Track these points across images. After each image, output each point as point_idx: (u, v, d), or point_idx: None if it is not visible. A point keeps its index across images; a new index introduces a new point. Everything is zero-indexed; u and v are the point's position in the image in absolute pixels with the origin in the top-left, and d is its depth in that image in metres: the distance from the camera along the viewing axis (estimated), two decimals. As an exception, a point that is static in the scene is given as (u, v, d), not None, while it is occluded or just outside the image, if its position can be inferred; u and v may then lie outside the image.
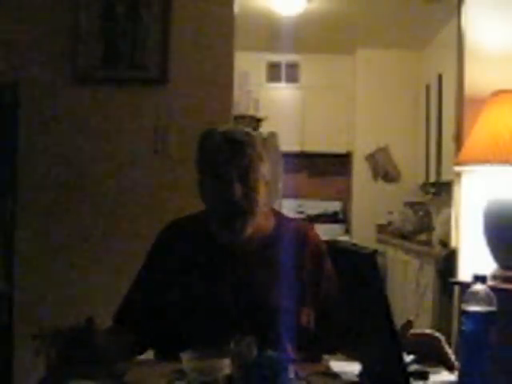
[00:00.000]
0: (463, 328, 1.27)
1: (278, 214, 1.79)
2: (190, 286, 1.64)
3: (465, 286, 1.79)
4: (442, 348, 1.43)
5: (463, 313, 1.27)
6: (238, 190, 1.57)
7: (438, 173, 5.82)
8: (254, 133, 1.66)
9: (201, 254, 1.68)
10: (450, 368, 1.41)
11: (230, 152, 1.58)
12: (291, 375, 1.24)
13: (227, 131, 1.63)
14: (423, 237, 5.18)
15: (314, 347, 1.66)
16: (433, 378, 1.39)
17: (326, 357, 1.68)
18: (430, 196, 6.03)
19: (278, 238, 1.69)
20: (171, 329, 1.63)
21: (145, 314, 1.68)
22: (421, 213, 5.58)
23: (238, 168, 1.58)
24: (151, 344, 1.70)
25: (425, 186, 6.35)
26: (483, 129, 2.58)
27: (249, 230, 1.61)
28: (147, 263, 1.76)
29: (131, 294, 1.74)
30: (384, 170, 6.76)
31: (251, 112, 4.25)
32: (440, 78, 5.83)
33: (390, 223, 6.19)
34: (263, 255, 1.67)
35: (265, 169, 1.64)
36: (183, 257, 1.68)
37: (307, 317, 1.65)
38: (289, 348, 1.58)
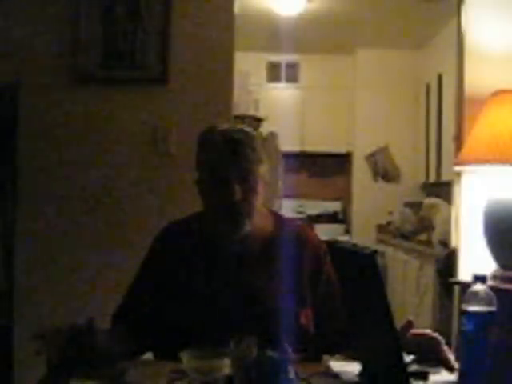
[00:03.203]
0: (463, 328, 1.27)
1: (276, 216, 1.79)
2: (189, 288, 1.64)
3: (465, 286, 1.79)
4: (442, 350, 1.43)
5: (463, 313, 1.27)
6: (237, 191, 1.57)
7: (438, 173, 5.82)
8: (253, 133, 1.67)
9: (198, 254, 1.68)
10: (450, 369, 1.41)
11: (230, 153, 1.59)
12: (291, 375, 1.24)
13: (227, 131, 1.63)
14: (423, 237, 5.18)
15: (314, 348, 1.66)
16: (433, 378, 1.39)
17: (326, 357, 1.68)
18: (430, 196, 6.03)
19: (277, 239, 1.69)
20: (170, 330, 1.63)
21: (143, 316, 1.68)
22: (421, 213, 5.57)
23: (238, 169, 1.58)
24: (150, 346, 1.70)
25: (425, 186, 6.35)
26: (483, 129, 2.58)
27: (246, 228, 1.62)
28: (145, 265, 1.76)
29: (129, 295, 1.73)
30: (384, 169, 6.76)
31: (251, 112, 4.25)
32: (440, 77, 5.83)
33: (389, 223, 6.18)
34: (263, 256, 1.67)
35: (264, 169, 1.65)
36: (180, 258, 1.69)
37: (306, 317, 1.65)
38: (288, 349, 1.59)
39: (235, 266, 1.66)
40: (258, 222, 1.67)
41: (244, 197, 1.58)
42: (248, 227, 1.62)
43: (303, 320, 1.64)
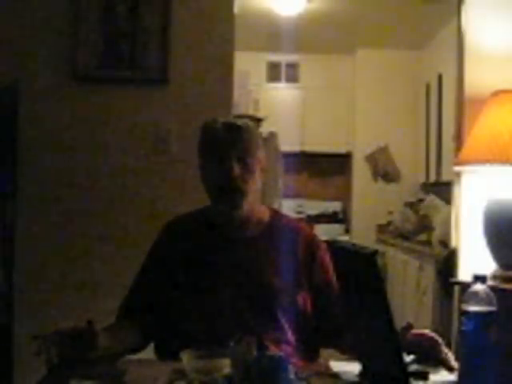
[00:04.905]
0: (463, 328, 1.27)
1: (273, 210, 1.90)
2: (191, 278, 1.69)
3: (465, 286, 1.79)
4: (441, 350, 1.44)
5: (463, 313, 1.27)
6: (236, 168, 1.67)
7: (438, 173, 5.82)
8: (251, 123, 1.78)
9: (201, 246, 1.75)
10: (450, 369, 1.41)
11: (230, 136, 1.69)
12: (291, 375, 1.25)
13: (227, 119, 1.76)
14: (423, 237, 5.18)
15: (312, 336, 1.72)
16: (433, 378, 1.39)
17: (325, 356, 1.69)
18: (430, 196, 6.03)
19: (273, 227, 1.79)
20: (173, 322, 1.67)
21: (147, 310, 1.71)
22: (421, 213, 5.57)
23: (237, 150, 1.68)
24: (154, 336, 1.74)
25: (425, 186, 6.35)
26: (483, 129, 2.59)
27: (245, 207, 1.70)
28: (148, 260, 1.80)
29: (133, 289, 1.78)
30: (384, 169, 6.76)
31: (251, 112, 4.25)
32: (440, 77, 5.83)
33: (389, 223, 6.18)
34: (260, 241, 1.75)
35: (261, 155, 1.75)
36: (184, 251, 1.74)
37: (303, 299, 1.71)
38: (288, 330, 1.65)
39: (235, 250, 1.73)
40: (257, 210, 1.77)
41: (242, 175, 1.67)
42: (246, 207, 1.69)
43: (300, 301, 1.70)
